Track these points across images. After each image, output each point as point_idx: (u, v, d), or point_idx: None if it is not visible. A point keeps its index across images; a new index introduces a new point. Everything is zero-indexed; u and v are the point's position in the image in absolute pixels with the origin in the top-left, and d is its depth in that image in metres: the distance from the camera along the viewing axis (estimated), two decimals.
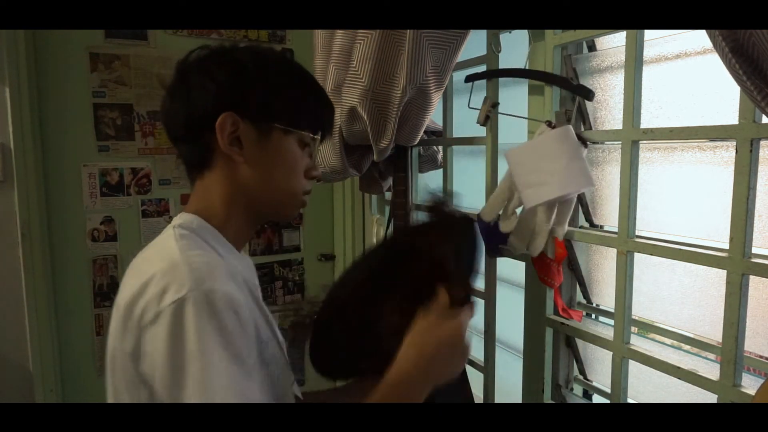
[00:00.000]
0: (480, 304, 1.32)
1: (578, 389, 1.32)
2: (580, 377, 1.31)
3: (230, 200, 0.75)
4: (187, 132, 0.74)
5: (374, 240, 1.91)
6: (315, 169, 0.80)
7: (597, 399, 1.29)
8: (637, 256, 1.01)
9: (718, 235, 0.95)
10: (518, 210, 1.11)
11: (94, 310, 1.71)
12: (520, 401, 1.28)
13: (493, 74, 1.21)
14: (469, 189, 1.50)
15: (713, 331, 1.00)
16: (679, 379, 0.93)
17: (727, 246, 0.85)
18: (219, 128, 0.70)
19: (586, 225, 1.25)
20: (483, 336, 1.31)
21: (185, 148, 0.76)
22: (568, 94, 1.11)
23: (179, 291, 0.59)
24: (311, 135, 0.77)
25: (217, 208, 0.74)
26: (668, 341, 1.12)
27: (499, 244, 1.19)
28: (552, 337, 1.23)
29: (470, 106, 1.23)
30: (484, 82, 1.22)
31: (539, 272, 1.14)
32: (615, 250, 1.03)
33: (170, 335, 0.58)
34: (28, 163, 1.52)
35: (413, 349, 0.70)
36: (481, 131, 1.26)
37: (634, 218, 0.99)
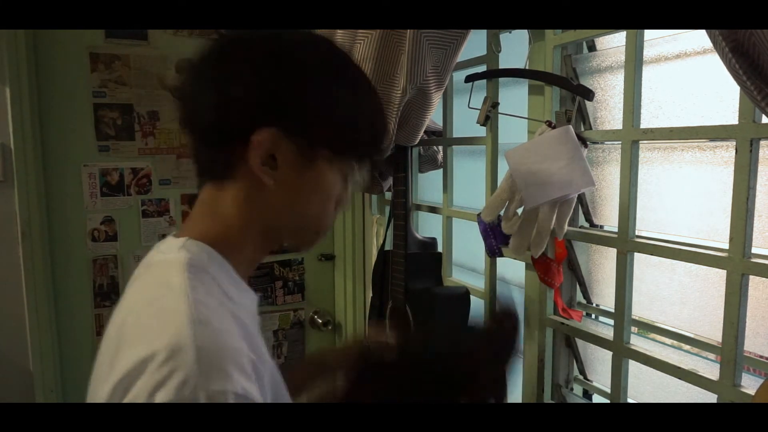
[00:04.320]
0: (480, 303, 1.32)
1: (578, 389, 1.32)
2: (580, 377, 1.31)
3: (248, 224, 0.63)
4: (213, 133, 0.61)
5: (374, 240, 1.91)
6: (347, 199, 0.69)
7: (597, 399, 1.29)
8: (637, 256, 1.01)
9: (718, 235, 0.95)
10: (518, 210, 1.11)
11: (94, 310, 1.71)
12: (520, 401, 1.28)
13: (493, 74, 1.21)
14: (469, 189, 1.50)
15: (713, 331, 1.00)
16: (679, 379, 0.93)
17: (727, 246, 0.85)
18: (255, 144, 0.58)
19: (586, 225, 1.25)
20: None
21: (205, 150, 0.63)
22: (568, 94, 1.11)
23: (181, 388, 0.48)
24: (357, 165, 0.66)
25: (231, 231, 0.63)
26: (668, 341, 1.12)
27: (499, 244, 1.19)
28: (552, 337, 1.23)
29: (470, 106, 1.23)
30: (484, 82, 1.22)
31: (539, 272, 1.14)
32: (615, 250, 1.03)
33: None
34: (28, 163, 1.52)
35: None
36: (481, 131, 1.26)
37: (634, 218, 0.99)
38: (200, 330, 0.51)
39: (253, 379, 0.53)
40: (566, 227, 1.05)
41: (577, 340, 1.28)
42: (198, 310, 0.53)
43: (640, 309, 1.12)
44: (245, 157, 0.59)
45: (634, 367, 1.04)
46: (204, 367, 0.49)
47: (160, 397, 0.48)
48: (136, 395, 0.49)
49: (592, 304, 1.28)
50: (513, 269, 1.37)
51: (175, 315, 0.52)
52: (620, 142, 1.00)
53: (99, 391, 0.54)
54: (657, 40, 1.03)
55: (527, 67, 1.16)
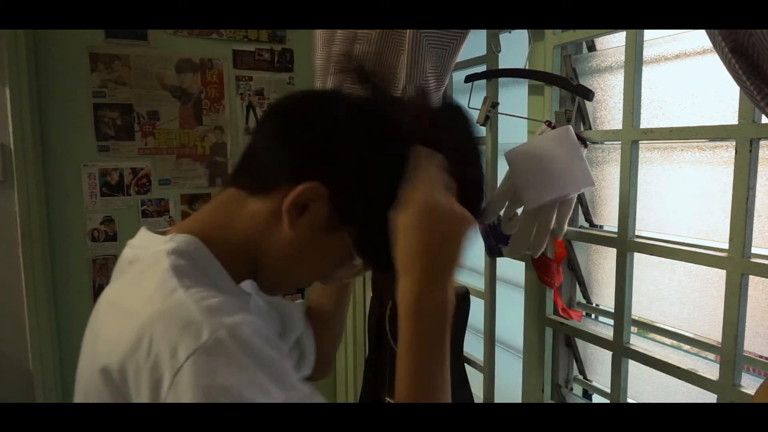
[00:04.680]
0: (480, 304, 1.32)
1: (578, 389, 1.32)
2: (580, 377, 1.31)
3: (246, 242, 0.63)
4: (280, 155, 0.62)
5: None
6: (332, 280, 0.71)
7: (597, 399, 1.29)
8: (637, 256, 1.01)
9: (718, 235, 0.95)
10: (518, 211, 1.11)
11: None
12: (520, 401, 1.28)
13: (493, 74, 1.21)
14: None
15: (713, 331, 1.00)
16: (678, 379, 0.94)
17: (726, 246, 0.85)
18: (300, 187, 0.59)
19: (586, 225, 1.25)
20: (483, 336, 1.31)
21: (261, 161, 0.64)
22: (568, 94, 1.11)
23: (198, 336, 0.47)
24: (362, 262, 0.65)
25: (229, 237, 0.63)
26: (668, 341, 1.12)
27: (499, 244, 1.19)
28: (552, 337, 1.23)
29: (470, 106, 1.23)
30: (483, 82, 1.22)
31: (539, 272, 1.14)
32: (615, 250, 1.03)
33: (203, 398, 0.45)
34: (28, 163, 1.52)
35: (410, 251, 0.58)
36: (481, 131, 1.26)
37: (634, 218, 0.99)
38: (191, 290, 0.52)
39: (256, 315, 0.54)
40: (566, 227, 1.05)
41: (576, 340, 1.28)
42: (183, 278, 0.54)
43: (639, 309, 1.12)
44: (286, 190, 0.60)
45: (633, 367, 1.04)
46: (209, 312, 0.49)
47: (182, 352, 0.46)
48: (156, 361, 0.47)
49: (591, 304, 1.28)
50: (513, 269, 1.37)
51: (163, 285, 0.53)
52: (620, 142, 1.00)
53: (89, 370, 0.54)
54: (657, 40, 1.03)
55: (527, 67, 1.16)
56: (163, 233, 0.64)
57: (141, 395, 0.48)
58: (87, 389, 0.55)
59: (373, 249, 0.64)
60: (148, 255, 0.60)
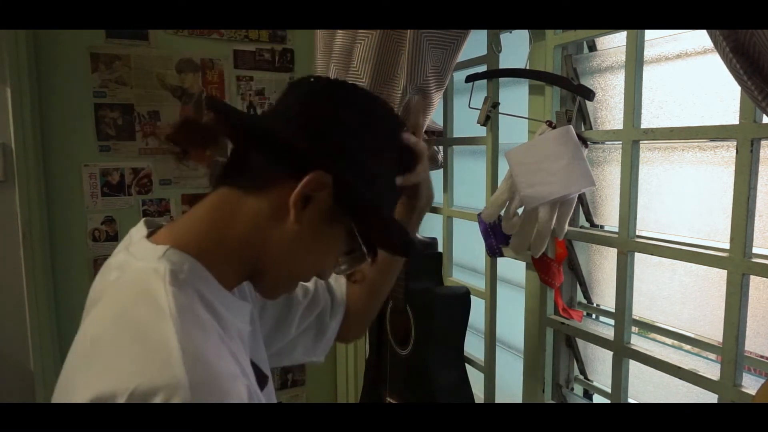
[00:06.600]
0: (480, 303, 1.32)
1: (579, 389, 1.32)
2: (581, 377, 1.31)
3: (245, 244, 0.61)
4: (281, 148, 0.60)
5: None
6: (330, 271, 0.70)
7: (597, 399, 1.29)
8: (638, 256, 1.01)
9: (719, 235, 0.95)
10: (519, 210, 1.11)
11: None
12: (520, 401, 1.28)
13: (494, 74, 1.21)
14: (470, 189, 1.50)
15: (713, 331, 1.00)
16: (679, 379, 0.93)
17: (727, 246, 0.85)
18: (309, 178, 0.58)
19: (587, 225, 1.25)
20: (483, 336, 1.31)
21: (257, 157, 0.62)
22: (569, 94, 1.11)
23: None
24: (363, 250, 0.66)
25: (227, 242, 0.61)
26: (669, 341, 1.12)
27: (499, 244, 1.19)
28: (552, 337, 1.23)
29: (471, 106, 1.23)
30: (484, 82, 1.22)
31: (540, 272, 1.14)
32: (615, 250, 1.03)
33: None
34: (29, 163, 1.52)
35: None
36: (482, 131, 1.26)
37: (635, 218, 0.99)
38: (194, 366, 0.49)
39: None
40: (566, 227, 1.05)
41: (577, 340, 1.28)
42: (188, 341, 0.50)
43: (640, 309, 1.12)
44: (289, 183, 0.58)
45: (634, 367, 1.04)
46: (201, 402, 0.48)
47: None
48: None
49: (592, 304, 1.28)
50: (513, 269, 1.37)
51: (165, 347, 0.49)
52: (621, 142, 1.00)
53: (68, 396, 0.54)
54: (657, 40, 1.03)
55: (527, 67, 1.16)
56: (154, 235, 0.62)
57: None
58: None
59: (377, 235, 0.66)
60: (141, 269, 0.57)
